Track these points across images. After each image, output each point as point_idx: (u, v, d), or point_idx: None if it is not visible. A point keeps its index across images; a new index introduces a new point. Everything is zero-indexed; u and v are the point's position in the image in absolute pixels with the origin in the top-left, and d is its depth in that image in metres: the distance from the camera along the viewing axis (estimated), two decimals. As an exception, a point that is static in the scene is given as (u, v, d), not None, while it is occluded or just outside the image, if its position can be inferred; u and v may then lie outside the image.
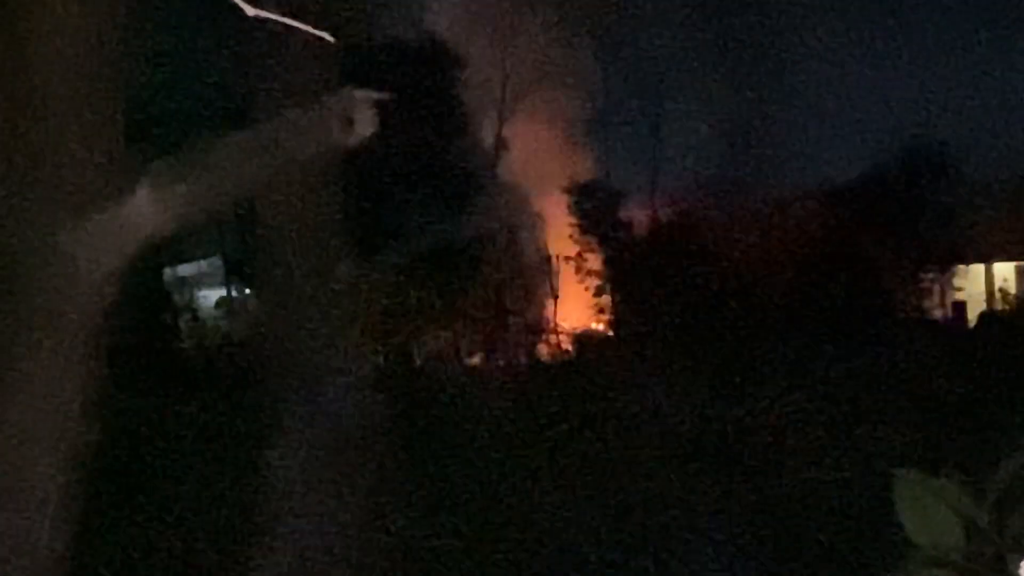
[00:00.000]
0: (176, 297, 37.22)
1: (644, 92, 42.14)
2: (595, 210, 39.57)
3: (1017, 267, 41.07)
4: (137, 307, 29.34)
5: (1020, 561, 2.92)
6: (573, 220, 39.81)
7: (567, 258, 40.10)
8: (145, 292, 32.02)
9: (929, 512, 3.08)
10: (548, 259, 40.38)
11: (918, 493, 3.10)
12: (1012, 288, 40.13)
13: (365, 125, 3.17)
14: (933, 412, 19.25)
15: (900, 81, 54.42)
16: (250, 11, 1.79)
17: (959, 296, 40.25)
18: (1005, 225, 39.18)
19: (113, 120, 4.02)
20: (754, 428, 20.26)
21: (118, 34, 4.07)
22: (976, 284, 40.87)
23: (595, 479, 17.95)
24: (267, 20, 1.73)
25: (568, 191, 40.10)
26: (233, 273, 37.31)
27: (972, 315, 38.49)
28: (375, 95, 3.20)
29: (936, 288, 40.25)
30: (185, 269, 38.21)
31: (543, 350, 39.17)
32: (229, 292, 38.23)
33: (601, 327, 39.77)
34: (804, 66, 40.74)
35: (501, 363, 37.11)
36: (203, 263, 38.87)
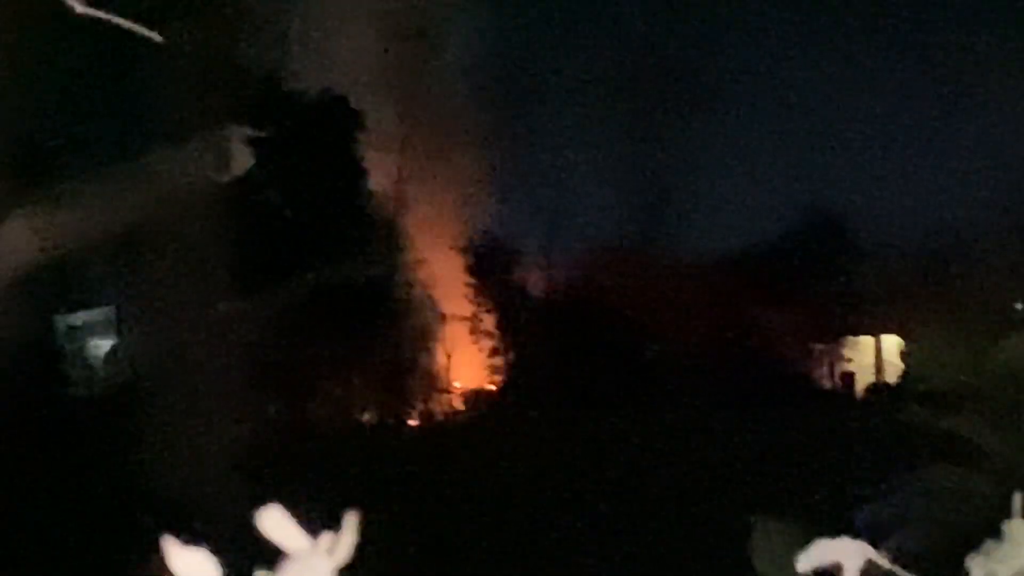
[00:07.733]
0: (67, 345, 36.88)
1: (543, 153, 42.34)
2: (490, 270, 39.62)
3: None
4: (27, 354, 28.99)
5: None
6: (468, 280, 39.84)
7: (462, 318, 40.04)
8: (36, 339, 31.65)
9: (784, 559, 3.12)
10: (442, 318, 40.24)
11: (774, 540, 3.15)
12: (898, 361, 40.49)
13: (241, 162, 3.19)
14: (805, 471, 19.48)
15: (795, 151, 54.93)
16: (79, 8, 1.81)
17: (848, 367, 40.72)
18: (895, 297, 39.59)
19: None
20: (642, 488, 20.34)
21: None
22: (866, 356, 41.34)
23: (484, 539, 17.93)
24: (96, 19, 1.75)
25: (464, 250, 40.15)
26: (124, 322, 36.95)
27: (860, 386, 38.99)
28: (252, 132, 3.22)
29: (825, 358, 40.73)
30: (77, 317, 37.86)
31: (435, 408, 39.05)
32: (122, 340, 37.80)
33: (494, 387, 39.72)
34: (703, 133, 41.14)
35: (392, 420, 36.92)
36: (95, 311, 38.50)
